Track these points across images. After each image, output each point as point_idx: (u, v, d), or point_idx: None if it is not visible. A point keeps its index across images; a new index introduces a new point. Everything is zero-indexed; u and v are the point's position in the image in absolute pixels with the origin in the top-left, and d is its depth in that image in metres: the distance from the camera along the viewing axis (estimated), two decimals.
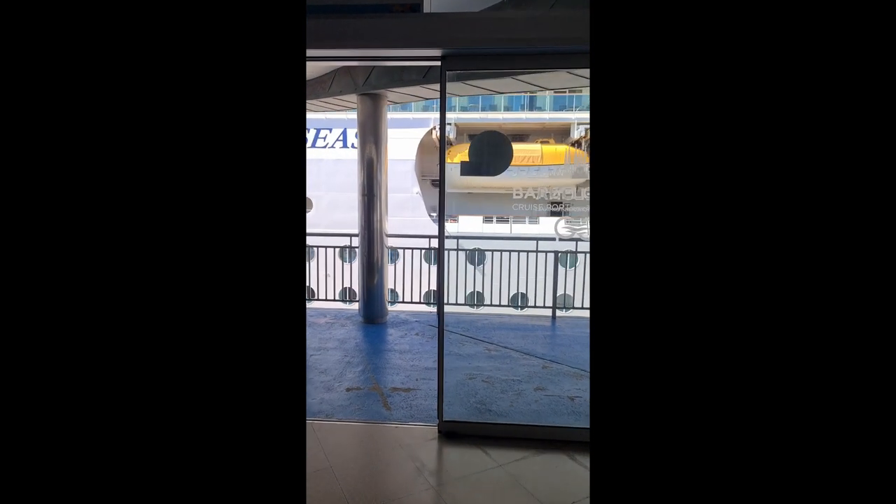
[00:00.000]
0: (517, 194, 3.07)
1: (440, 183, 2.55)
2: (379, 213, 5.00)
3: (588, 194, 3.17)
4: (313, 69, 4.77)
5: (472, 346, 4.41)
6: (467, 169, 2.58)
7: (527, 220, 18.06)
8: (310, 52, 2.38)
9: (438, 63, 2.50)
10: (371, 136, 4.94)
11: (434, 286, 5.75)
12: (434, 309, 5.53)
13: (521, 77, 3.44)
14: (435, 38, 2.37)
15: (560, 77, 3.44)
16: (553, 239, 7.10)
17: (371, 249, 5.04)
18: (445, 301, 5.42)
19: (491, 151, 2.58)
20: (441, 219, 2.65)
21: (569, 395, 3.26)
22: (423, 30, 2.36)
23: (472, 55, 2.45)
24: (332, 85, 4.95)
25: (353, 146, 14.99)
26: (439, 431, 2.68)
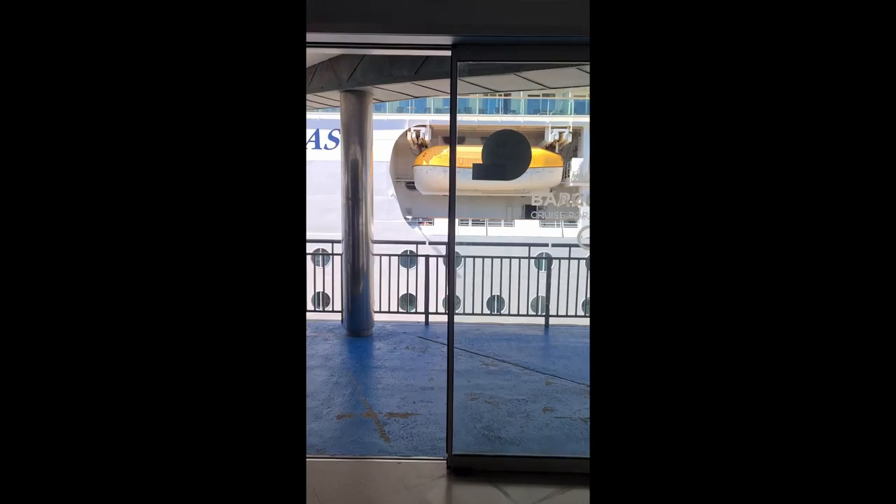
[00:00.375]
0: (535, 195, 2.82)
1: (450, 185, 2.26)
2: (364, 217, 4.65)
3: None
4: None
5: (467, 359, 4.13)
6: (480, 172, 2.29)
7: (502, 222, 18.07)
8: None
9: (448, 52, 2.21)
10: (356, 137, 4.59)
11: (411, 294, 5.43)
12: (420, 319, 5.20)
13: (526, 74, 3.19)
14: (447, 23, 2.09)
15: (568, 75, 3.21)
16: (545, 244, 6.92)
17: (356, 255, 4.68)
18: (425, 309, 5.14)
19: (508, 153, 2.30)
20: (451, 221, 2.35)
21: (580, 417, 3.01)
22: (434, 12, 2.07)
23: (488, 44, 2.18)
24: (313, 80, 4.58)
25: (325, 147, 14.55)
26: (448, 467, 2.38)
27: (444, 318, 5.27)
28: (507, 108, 19.51)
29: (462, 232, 17.65)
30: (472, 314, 5.32)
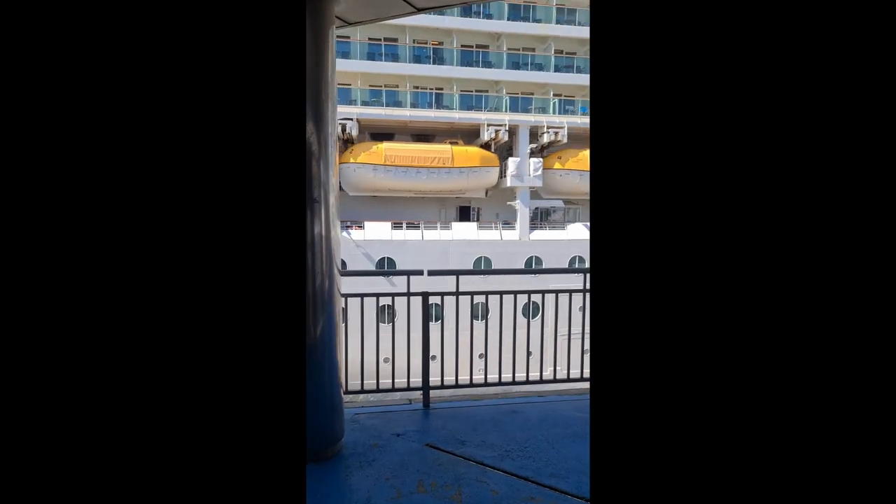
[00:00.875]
0: None
1: None
2: (323, 221, 2.55)
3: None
4: None
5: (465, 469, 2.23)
6: None
7: (438, 225, 16.48)
8: None
9: None
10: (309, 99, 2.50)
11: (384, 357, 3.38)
12: (407, 394, 3.18)
13: None
14: None
15: None
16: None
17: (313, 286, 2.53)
18: (422, 378, 3.00)
19: None
20: None
21: None
22: None
23: None
24: None
25: None
26: None
27: (446, 392, 3.25)
28: (439, 103, 17.96)
29: (395, 235, 15.70)
30: (456, 386, 3.30)
